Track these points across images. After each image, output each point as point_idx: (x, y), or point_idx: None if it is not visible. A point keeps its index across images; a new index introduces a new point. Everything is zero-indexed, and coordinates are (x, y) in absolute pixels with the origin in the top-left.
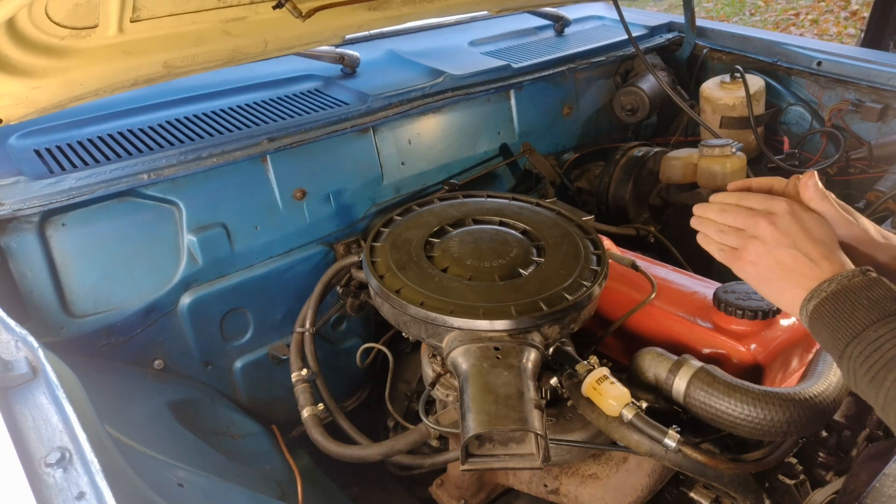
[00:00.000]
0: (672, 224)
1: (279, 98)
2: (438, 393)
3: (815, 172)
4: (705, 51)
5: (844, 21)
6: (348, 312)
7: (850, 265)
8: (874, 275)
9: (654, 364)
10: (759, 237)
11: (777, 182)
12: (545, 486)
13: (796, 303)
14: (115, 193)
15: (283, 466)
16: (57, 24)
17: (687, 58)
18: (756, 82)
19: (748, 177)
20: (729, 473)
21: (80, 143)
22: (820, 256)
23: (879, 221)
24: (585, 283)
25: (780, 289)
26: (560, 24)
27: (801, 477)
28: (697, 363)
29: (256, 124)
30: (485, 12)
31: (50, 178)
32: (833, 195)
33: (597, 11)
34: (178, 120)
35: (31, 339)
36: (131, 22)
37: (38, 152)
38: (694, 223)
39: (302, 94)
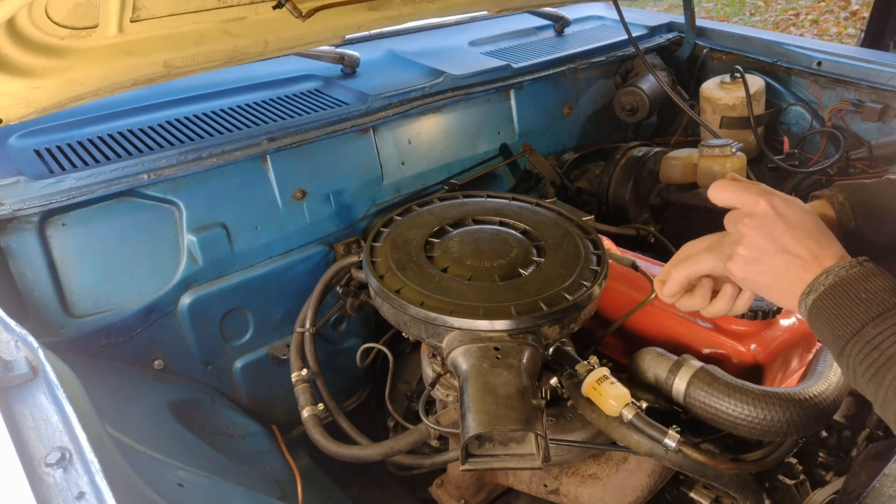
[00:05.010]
0: (672, 224)
1: (279, 98)
2: (438, 393)
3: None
4: (705, 51)
5: (844, 21)
6: (348, 312)
7: (844, 254)
8: (871, 264)
9: (654, 364)
10: (745, 245)
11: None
12: (545, 486)
13: (795, 302)
14: (115, 193)
15: (283, 466)
16: (57, 24)
17: (687, 58)
18: (756, 82)
19: (748, 177)
20: (729, 473)
21: (80, 143)
22: (810, 255)
23: None
24: (585, 283)
25: (779, 293)
26: (560, 24)
27: (801, 477)
28: (697, 363)
29: (256, 124)
30: (485, 12)
31: (50, 178)
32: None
33: (597, 11)
34: (178, 120)
35: (31, 339)
36: (131, 22)
37: (38, 152)
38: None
39: (302, 94)
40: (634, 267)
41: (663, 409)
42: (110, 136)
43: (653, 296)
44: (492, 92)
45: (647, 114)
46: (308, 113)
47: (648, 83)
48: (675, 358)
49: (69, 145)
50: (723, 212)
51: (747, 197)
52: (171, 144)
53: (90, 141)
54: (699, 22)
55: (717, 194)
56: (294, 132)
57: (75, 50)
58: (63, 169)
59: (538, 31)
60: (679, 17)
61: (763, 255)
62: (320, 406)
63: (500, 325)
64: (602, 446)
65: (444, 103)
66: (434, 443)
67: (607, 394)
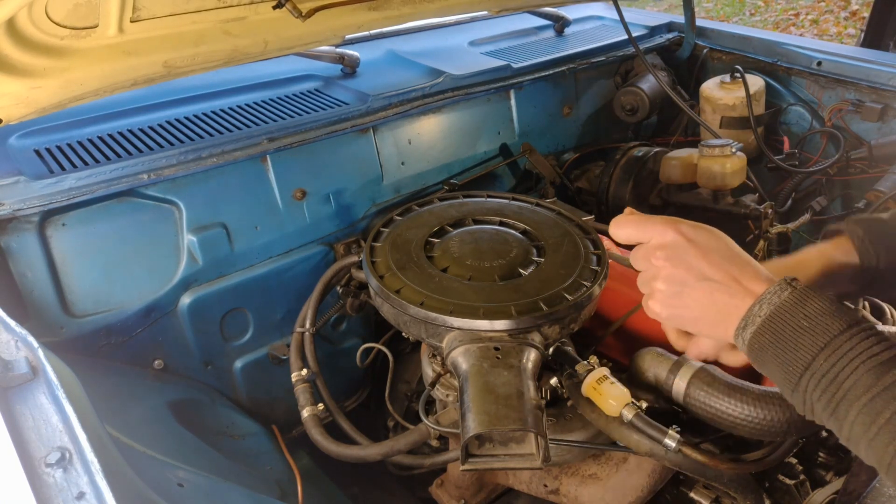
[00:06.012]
0: None
1: (279, 98)
2: (438, 393)
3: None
4: (705, 51)
5: (844, 21)
6: (348, 312)
7: (767, 274)
8: (801, 284)
9: (654, 364)
10: (663, 279)
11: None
12: (545, 486)
13: (729, 333)
14: (115, 193)
15: (283, 466)
16: (57, 24)
17: (687, 58)
18: (756, 82)
19: (748, 177)
20: (729, 473)
21: (80, 143)
22: (731, 279)
23: None
24: (585, 283)
25: (709, 324)
26: (560, 24)
27: (801, 477)
28: (697, 363)
29: (256, 124)
30: (485, 12)
31: (50, 178)
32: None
33: (597, 11)
34: (178, 120)
35: (31, 339)
36: (131, 22)
37: (38, 152)
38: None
39: (302, 94)
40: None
41: (663, 409)
42: (110, 136)
43: None
44: (492, 92)
45: (647, 114)
46: (308, 113)
47: (648, 83)
48: (676, 358)
49: (69, 145)
50: (721, 211)
51: (653, 229)
52: (171, 144)
53: (90, 141)
54: (699, 22)
55: (620, 232)
56: (294, 132)
57: (75, 50)
58: (63, 169)
59: (538, 31)
60: (679, 17)
61: (683, 287)
62: (320, 406)
63: (500, 325)
64: (602, 446)
65: (444, 103)
66: (434, 443)
67: (607, 394)
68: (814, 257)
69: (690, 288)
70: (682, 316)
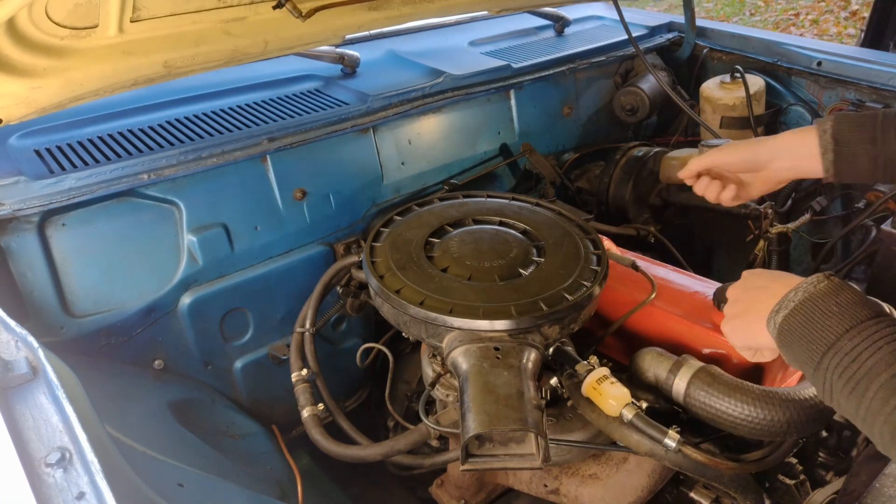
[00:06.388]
0: (672, 224)
1: (279, 98)
2: (438, 393)
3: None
4: (705, 51)
5: (844, 21)
6: (348, 312)
7: (798, 277)
8: (837, 279)
9: (654, 364)
10: (728, 301)
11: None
12: (545, 486)
13: (762, 323)
14: (115, 193)
15: (283, 466)
16: (57, 24)
17: (687, 58)
18: (756, 82)
19: None
20: (729, 473)
21: (80, 143)
22: (772, 281)
23: (880, 221)
24: (585, 283)
25: (750, 322)
26: (560, 24)
27: (801, 477)
28: (697, 363)
29: (256, 124)
30: (485, 12)
31: (50, 178)
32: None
33: (597, 11)
34: (178, 120)
35: (31, 339)
36: (131, 22)
37: (38, 152)
38: None
39: (302, 94)
40: (634, 267)
41: (663, 409)
42: (110, 136)
43: (653, 296)
44: (492, 92)
45: (647, 114)
46: (308, 113)
47: (648, 83)
48: (676, 358)
49: (69, 145)
50: (721, 211)
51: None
52: (171, 144)
53: (90, 141)
54: (699, 22)
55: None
56: (294, 132)
57: (75, 50)
58: (63, 169)
59: (538, 31)
60: (679, 17)
61: (737, 301)
62: (320, 406)
63: (500, 325)
64: (602, 446)
65: (444, 103)
66: (434, 443)
67: (607, 394)
68: (789, 143)
69: (742, 299)
70: (735, 321)
